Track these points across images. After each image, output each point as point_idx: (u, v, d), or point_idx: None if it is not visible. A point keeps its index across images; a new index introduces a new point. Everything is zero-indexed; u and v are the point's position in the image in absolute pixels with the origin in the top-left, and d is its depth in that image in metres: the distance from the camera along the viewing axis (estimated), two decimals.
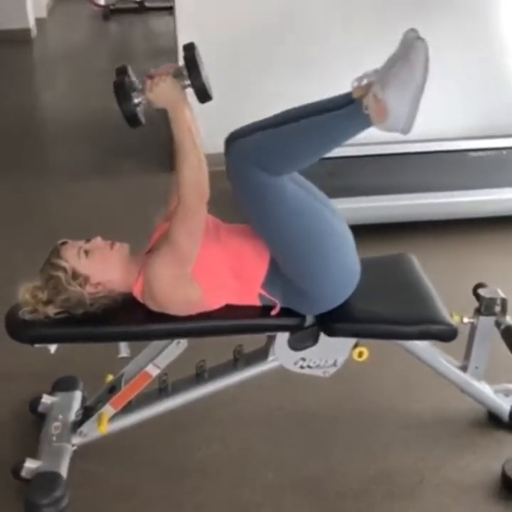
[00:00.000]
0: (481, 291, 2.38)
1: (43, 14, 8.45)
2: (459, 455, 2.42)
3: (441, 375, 2.42)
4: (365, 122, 1.99)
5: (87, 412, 2.42)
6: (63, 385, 2.63)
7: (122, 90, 2.00)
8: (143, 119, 2.06)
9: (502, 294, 2.38)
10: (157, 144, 4.92)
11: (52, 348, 2.25)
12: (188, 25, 4.27)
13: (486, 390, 2.47)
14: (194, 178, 1.98)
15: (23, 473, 2.28)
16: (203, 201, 2.02)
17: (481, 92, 4.51)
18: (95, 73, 6.87)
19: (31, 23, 7.75)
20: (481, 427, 2.52)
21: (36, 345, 2.25)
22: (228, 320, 2.19)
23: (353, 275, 2.19)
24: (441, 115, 4.34)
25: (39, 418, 2.53)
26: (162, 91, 1.98)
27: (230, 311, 2.18)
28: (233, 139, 2.13)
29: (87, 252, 2.15)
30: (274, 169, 2.02)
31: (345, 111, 2.01)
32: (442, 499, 2.26)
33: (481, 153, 4.16)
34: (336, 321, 2.20)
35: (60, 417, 2.46)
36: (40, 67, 7.13)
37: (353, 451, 2.45)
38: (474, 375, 2.44)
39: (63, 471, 2.29)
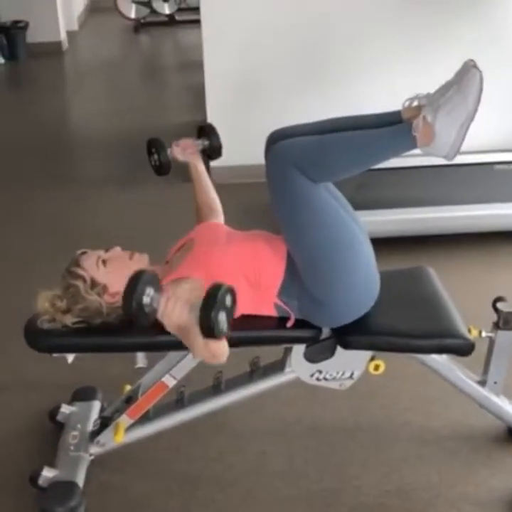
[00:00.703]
0: (500, 305, 2.36)
1: (75, 27, 8.59)
2: (476, 471, 2.40)
3: (460, 390, 2.40)
4: (411, 144, 2.01)
5: (104, 421, 2.44)
6: (82, 394, 2.66)
7: (136, 303, 1.86)
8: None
9: None
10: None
11: (70, 357, 2.26)
12: (214, 39, 4.31)
13: (505, 405, 2.44)
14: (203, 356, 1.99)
15: (40, 482, 2.31)
16: (220, 359, 2.00)
17: (507, 104, 4.49)
18: (125, 86, 6.98)
19: (63, 36, 7.88)
20: (500, 443, 2.50)
21: (54, 355, 2.27)
22: (244, 331, 2.20)
23: (372, 290, 2.19)
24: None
25: (58, 427, 2.56)
26: (177, 319, 1.96)
27: (246, 322, 2.19)
28: (276, 140, 2.13)
29: (105, 262, 2.17)
30: (314, 176, 2.03)
31: (394, 129, 2.04)
32: None
33: (505, 167, 4.12)
34: (352, 334, 2.20)
35: (78, 426, 2.49)
36: (70, 80, 7.25)
37: (369, 465, 2.44)
38: (493, 390, 2.41)
39: (80, 480, 2.31)
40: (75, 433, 2.46)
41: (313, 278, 2.12)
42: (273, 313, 2.19)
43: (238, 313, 2.17)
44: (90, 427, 2.48)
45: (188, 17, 8.77)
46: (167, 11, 8.73)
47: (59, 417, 2.58)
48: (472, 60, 2.01)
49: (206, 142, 2.49)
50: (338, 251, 2.08)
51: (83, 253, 2.22)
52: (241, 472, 2.43)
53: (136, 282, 1.86)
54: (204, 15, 4.35)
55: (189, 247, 2.25)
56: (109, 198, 4.49)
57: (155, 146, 2.46)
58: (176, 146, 2.49)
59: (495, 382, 2.41)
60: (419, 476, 2.39)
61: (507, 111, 4.49)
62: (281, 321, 2.20)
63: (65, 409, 2.58)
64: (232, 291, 1.86)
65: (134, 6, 8.77)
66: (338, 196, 2.17)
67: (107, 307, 2.15)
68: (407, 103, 2.08)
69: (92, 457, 2.40)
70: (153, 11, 8.72)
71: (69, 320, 2.17)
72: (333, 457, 2.48)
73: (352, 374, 2.32)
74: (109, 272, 2.16)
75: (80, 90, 6.83)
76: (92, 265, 2.17)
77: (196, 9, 8.71)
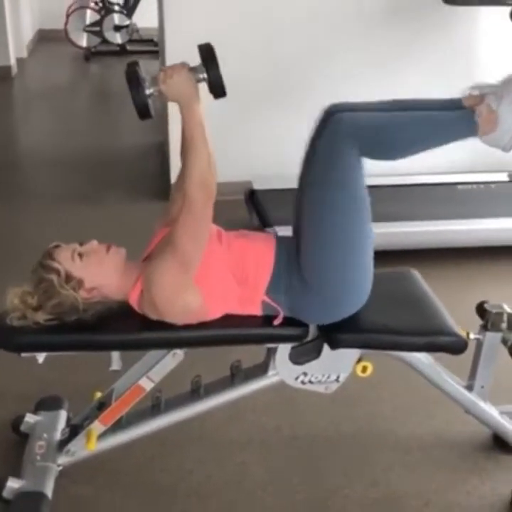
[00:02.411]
0: (487, 306, 2.31)
1: (24, 54, 8.44)
2: (465, 478, 2.32)
3: (446, 393, 2.33)
4: (473, 130, 2.03)
5: (74, 430, 2.29)
6: (47, 404, 2.49)
7: (135, 79, 1.90)
8: (153, 112, 1.96)
9: (508, 310, 2.31)
10: (142, 176, 4.91)
11: (41, 357, 2.11)
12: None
13: (492, 411, 2.38)
14: (203, 174, 1.89)
15: (5, 494, 2.13)
16: (209, 200, 1.92)
17: None
18: (77, 110, 6.89)
19: (12, 61, 7.72)
20: (487, 451, 2.43)
21: (23, 355, 2.11)
22: (228, 329, 2.09)
23: (367, 289, 2.12)
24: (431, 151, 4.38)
25: (22, 438, 2.39)
26: (176, 83, 1.89)
27: (229, 320, 2.08)
28: (339, 111, 2.08)
29: (81, 255, 2.04)
30: (370, 150, 2.02)
31: (458, 114, 2.04)
32: None
33: (468, 187, 4.16)
34: (341, 332, 2.11)
35: (45, 436, 2.32)
36: (21, 103, 7.08)
37: (354, 474, 2.33)
38: (480, 394, 2.35)
39: (48, 491, 2.14)
40: (42, 443, 2.30)
41: (315, 262, 2.05)
42: (259, 312, 2.10)
43: (224, 312, 2.08)
44: (58, 436, 2.32)
45: (139, 48, 8.73)
46: (119, 41, 8.66)
47: (23, 427, 2.41)
48: None
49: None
50: (353, 232, 2.04)
51: (57, 246, 2.09)
52: (220, 483, 2.30)
53: (132, 77, 1.89)
54: (168, 36, 4.27)
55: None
56: (69, 214, 4.33)
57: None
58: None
59: (482, 387, 2.35)
60: (406, 484, 2.30)
61: None
62: (266, 320, 2.10)
63: (30, 418, 2.42)
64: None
65: (85, 34, 8.69)
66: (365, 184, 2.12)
67: (83, 303, 2.02)
68: (468, 91, 2.07)
69: (61, 468, 2.24)
70: (105, 41, 8.64)
71: (41, 317, 2.03)
72: (317, 466, 2.37)
73: (338, 377, 2.22)
74: (86, 265, 2.04)
75: (31, 113, 6.67)
76: (67, 258, 2.04)
77: (148, 41, 8.81)
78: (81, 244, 2.08)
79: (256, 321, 2.10)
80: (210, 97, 1.97)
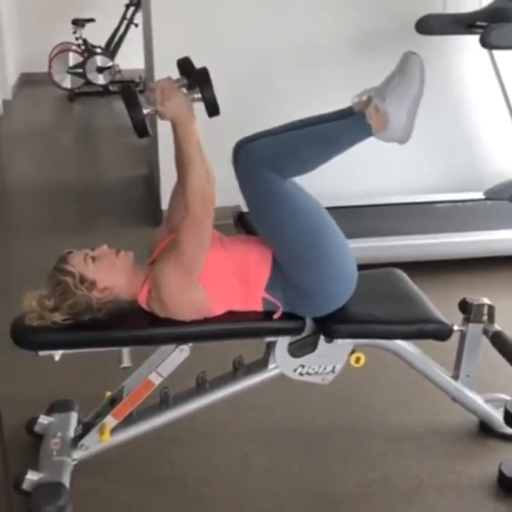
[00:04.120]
0: (469, 299, 2.49)
1: (8, 96, 8.63)
2: (455, 461, 2.48)
3: (434, 382, 2.50)
4: (367, 132, 2.17)
5: (87, 427, 2.42)
6: (59, 407, 2.62)
7: (132, 99, 2.02)
8: (150, 130, 2.10)
9: (489, 302, 2.49)
10: (129, 205, 5.08)
11: (57, 355, 2.26)
12: None
13: (477, 398, 2.54)
14: (201, 188, 2.05)
15: (25, 486, 2.26)
16: (209, 210, 2.09)
17: (441, 152, 4.76)
18: (62, 148, 7.07)
19: None
20: (474, 437, 2.59)
21: (40, 354, 2.26)
22: (230, 323, 2.26)
23: (352, 276, 2.28)
24: (406, 173, 4.63)
25: (36, 439, 2.51)
26: (173, 104, 2.01)
27: (232, 316, 2.25)
28: (242, 144, 2.25)
29: (93, 259, 2.21)
30: (282, 170, 2.15)
31: (350, 120, 2.20)
32: (443, 499, 2.31)
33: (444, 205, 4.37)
34: (336, 323, 2.28)
35: (59, 434, 2.45)
36: (8, 142, 7.22)
37: (350, 461, 2.49)
38: (466, 383, 2.52)
39: (66, 481, 2.27)
40: (56, 440, 2.42)
41: (295, 268, 2.22)
42: (260, 307, 2.26)
43: (227, 308, 2.24)
44: (71, 434, 2.45)
45: None
46: (102, 82, 8.90)
47: (37, 428, 2.54)
48: (410, 50, 2.20)
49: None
50: (314, 237, 2.20)
51: (69, 252, 2.26)
52: (227, 472, 2.44)
53: (130, 98, 1.99)
54: (157, 72, 4.46)
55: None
56: (53, 243, 4.39)
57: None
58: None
59: (467, 376, 2.52)
60: (400, 468, 2.45)
61: (446, 154, 4.75)
62: (266, 315, 2.26)
63: (43, 420, 2.55)
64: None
65: (69, 76, 8.92)
66: (303, 190, 2.27)
67: (97, 302, 2.18)
68: (356, 98, 2.23)
69: (75, 462, 2.37)
70: (88, 82, 8.87)
71: (58, 317, 2.19)
72: (316, 455, 2.52)
73: (334, 368, 2.38)
74: (98, 268, 2.21)
75: (19, 150, 6.82)
76: (80, 262, 2.21)
77: (130, 82, 9.04)
78: (92, 249, 2.26)
79: (256, 316, 2.27)
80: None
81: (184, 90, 2.09)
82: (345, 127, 2.20)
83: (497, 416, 2.53)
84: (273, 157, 2.17)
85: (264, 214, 2.22)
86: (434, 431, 2.63)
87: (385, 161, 4.33)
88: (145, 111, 2.04)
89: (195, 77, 2.09)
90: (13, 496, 2.23)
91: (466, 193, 4.51)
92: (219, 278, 2.22)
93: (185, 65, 2.14)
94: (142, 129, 2.04)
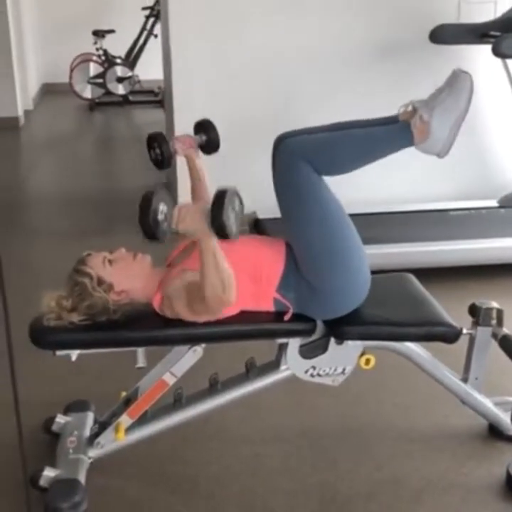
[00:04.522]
0: (478, 303, 2.53)
1: (30, 107, 8.77)
2: (463, 463, 2.51)
3: (444, 385, 2.53)
4: (409, 140, 2.24)
5: (103, 426, 2.48)
6: (76, 407, 2.69)
7: (151, 220, 1.97)
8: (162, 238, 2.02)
9: (497, 306, 2.53)
10: None
11: (74, 355, 2.32)
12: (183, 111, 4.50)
13: (486, 401, 2.58)
14: (215, 295, 2.10)
15: (42, 482, 2.32)
16: (223, 308, 2.17)
17: (456, 161, 4.78)
18: (81, 156, 7.17)
19: (20, 113, 8.04)
20: (483, 439, 2.62)
21: (58, 353, 2.32)
22: (242, 325, 2.31)
23: (366, 281, 2.34)
24: (422, 181, 4.68)
25: (53, 438, 2.58)
26: (189, 225, 2.03)
27: (244, 317, 2.31)
28: (285, 138, 2.32)
29: (111, 261, 2.28)
30: (321, 168, 2.24)
31: (394, 128, 2.27)
32: (450, 499, 2.35)
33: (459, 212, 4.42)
34: (346, 325, 2.34)
35: (75, 432, 2.52)
36: (29, 150, 7.36)
37: (360, 461, 2.53)
38: (475, 386, 2.55)
39: (81, 478, 2.33)
40: (73, 438, 2.49)
41: (311, 266, 2.27)
42: (271, 308, 2.32)
43: (240, 307, 2.29)
44: (87, 433, 2.52)
45: (141, 98, 9.13)
46: (121, 92, 9.02)
47: (54, 427, 2.60)
48: (459, 68, 2.27)
49: (204, 137, 2.62)
50: (336, 238, 2.26)
51: (88, 254, 2.33)
52: (238, 472, 2.49)
53: (149, 200, 1.96)
54: (175, 82, 4.55)
55: (193, 246, 2.34)
56: (73, 247, 4.46)
57: (157, 140, 2.54)
58: (176, 141, 2.58)
59: (476, 378, 2.56)
60: (409, 468, 2.49)
61: (461, 164, 4.78)
62: (278, 316, 2.32)
63: (60, 419, 2.62)
64: (238, 194, 2.02)
65: (89, 86, 9.05)
66: (333, 194, 2.33)
67: (113, 304, 2.25)
68: (402, 109, 2.31)
69: (91, 460, 2.43)
70: (108, 92, 9.00)
71: (75, 318, 2.25)
72: (325, 456, 2.56)
73: (344, 369, 2.43)
74: (115, 271, 2.28)
75: (40, 159, 6.94)
76: (99, 264, 2.28)
77: (149, 92, 9.18)
78: (110, 251, 2.33)
79: (268, 317, 2.32)
80: None
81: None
82: (389, 133, 2.27)
83: (506, 419, 2.57)
84: (314, 153, 2.24)
85: (294, 208, 2.28)
86: (443, 433, 2.67)
87: (401, 170, 4.37)
88: (162, 228, 2.00)
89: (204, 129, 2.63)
90: (31, 492, 2.29)
91: (480, 201, 4.56)
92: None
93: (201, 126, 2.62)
94: (153, 239, 2.01)
